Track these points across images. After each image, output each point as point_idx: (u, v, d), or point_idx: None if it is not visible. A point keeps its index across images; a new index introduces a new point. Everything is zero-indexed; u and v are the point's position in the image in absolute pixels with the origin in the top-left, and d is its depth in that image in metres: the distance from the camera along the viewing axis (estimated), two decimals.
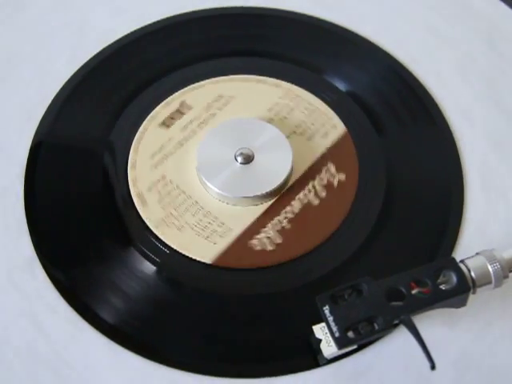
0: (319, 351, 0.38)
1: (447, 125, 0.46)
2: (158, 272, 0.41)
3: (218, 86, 0.47)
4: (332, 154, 0.44)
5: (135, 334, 0.39)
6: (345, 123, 0.45)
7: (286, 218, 0.42)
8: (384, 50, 0.49)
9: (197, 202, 0.42)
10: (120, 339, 0.39)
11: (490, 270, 0.38)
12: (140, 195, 0.43)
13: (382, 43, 0.49)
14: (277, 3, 0.50)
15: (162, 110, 0.46)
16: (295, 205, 0.43)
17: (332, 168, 0.44)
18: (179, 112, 0.46)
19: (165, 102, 0.46)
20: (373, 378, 0.38)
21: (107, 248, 0.41)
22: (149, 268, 0.41)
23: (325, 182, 0.43)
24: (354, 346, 0.37)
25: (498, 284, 0.38)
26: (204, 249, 0.41)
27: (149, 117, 0.45)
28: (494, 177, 0.45)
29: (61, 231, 0.42)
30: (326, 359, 0.38)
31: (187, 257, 0.41)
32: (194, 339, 0.40)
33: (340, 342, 0.36)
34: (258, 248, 0.41)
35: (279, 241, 0.41)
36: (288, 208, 0.42)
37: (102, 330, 0.39)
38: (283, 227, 0.42)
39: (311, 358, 0.38)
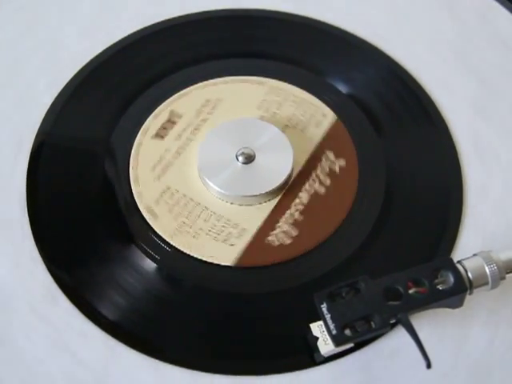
0: (316, 349, 0.38)
1: (437, 111, 0.47)
2: (185, 283, 0.41)
3: (204, 91, 0.47)
4: (328, 142, 0.45)
5: (169, 346, 0.39)
6: (334, 110, 0.46)
7: (296, 210, 0.43)
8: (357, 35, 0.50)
9: (207, 208, 0.43)
10: (159, 354, 0.39)
11: (487, 270, 0.38)
12: (149, 209, 0.43)
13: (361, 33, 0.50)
14: (258, 4, 0.51)
15: (152, 122, 0.45)
16: (303, 196, 0.43)
17: (331, 155, 0.45)
18: (170, 122, 0.46)
19: (154, 113, 0.46)
20: (372, 375, 0.39)
21: (127, 264, 0.41)
22: (174, 280, 0.41)
23: (327, 169, 0.44)
24: (351, 344, 0.37)
25: (495, 285, 0.38)
26: (223, 252, 0.41)
27: (141, 130, 0.45)
28: (494, 173, 0.45)
29: (76, 253, 0.42)
30: (323, 357, 0.38)
31: (209, 263, 0.41)
32: (220, 340, 0.40)
33: (337, 339, 0.36)
34: (277, 243, 0.42)
35: (295, 233, 0.42)
36: (297, 200, 0.43)
37: (137, 346, 0.39)
38: (296, 219, 0.42)
39: (308, 356, 0.38)
